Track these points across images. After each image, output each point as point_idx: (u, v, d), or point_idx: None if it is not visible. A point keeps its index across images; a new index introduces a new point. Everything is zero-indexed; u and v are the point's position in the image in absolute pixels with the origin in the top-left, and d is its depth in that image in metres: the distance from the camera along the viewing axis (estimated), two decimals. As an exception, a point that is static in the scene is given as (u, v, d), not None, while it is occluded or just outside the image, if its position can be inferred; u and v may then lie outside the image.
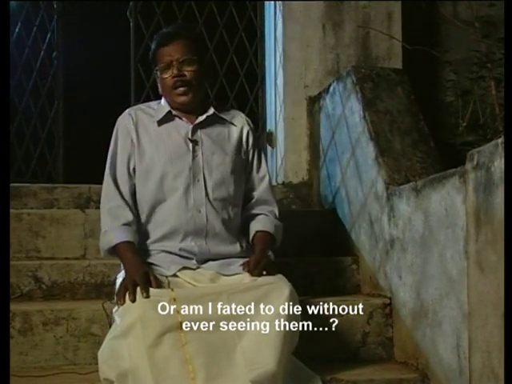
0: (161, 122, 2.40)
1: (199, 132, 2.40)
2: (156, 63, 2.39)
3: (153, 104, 2.48)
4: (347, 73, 3.15)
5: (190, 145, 2.37)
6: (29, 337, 2.39)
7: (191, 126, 2.39)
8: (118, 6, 4.00)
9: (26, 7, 4.02)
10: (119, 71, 4.12)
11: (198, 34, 2.64)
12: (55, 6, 4.02)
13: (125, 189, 2.36)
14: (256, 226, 2.43)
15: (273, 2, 3.82)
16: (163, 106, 2.43)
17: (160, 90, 2.45)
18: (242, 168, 2.45)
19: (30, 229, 2.92)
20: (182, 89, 2.35)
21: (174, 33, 2.40)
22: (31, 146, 3.99)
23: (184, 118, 2.41)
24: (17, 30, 3.98)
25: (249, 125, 2.50)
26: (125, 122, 2.41)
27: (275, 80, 3.81)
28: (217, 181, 2.37)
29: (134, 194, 2.38)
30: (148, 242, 2.33)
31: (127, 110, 2.45)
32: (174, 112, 2.40)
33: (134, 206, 2.36)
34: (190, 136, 2.38)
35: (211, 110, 2.42)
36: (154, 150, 2.36)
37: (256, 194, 2.49)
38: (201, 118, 2.40)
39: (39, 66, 4.03)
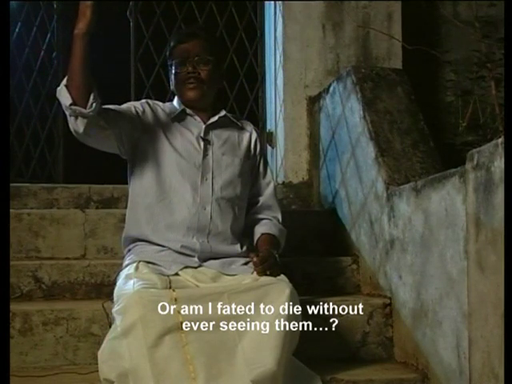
0: (174, 119, 2.43)
1: (211, 132, 2.45)
2: (172, 59, 2.44)
3: (166, 104, 2.52)
4: (347, 73, 3.15)
5: (202, 144, 2.41)
6: (29, 337, 2.39)
7: (204, 126, 2.43)
8: (118, 6, 4.00)
9: (26, 7, 4.02)
10: (119, 71, 4.12)
11: (217, 37, 2.68)
12: (55, 5, 4.02)
13: (113, 106, 2.34)
14: (261, 229, 2.48)
15: (273, 2, 3.82)
16: (176, 104, 2.48)
17: (172, 86, 2.48)
18: (249, 172, 2.51)
19: (30, 229, 2.92)
20: (193, 84, 2.39)
21: (194, 32, 2.47)
22: (31, 146, 3.99)
23: (197, 117, 2.44)
24: (17, 30, 3.97)
25: (256, 132, 2.58)
26: (142, 102, 2.47)
27: (275, 80, 3.81)
28: (225, 181, 2.40)
29: (113, 115, 2.31)
30: (152, 232, 2.34)
31: (144, 100, 2.51)
32: (187, 110, 2.44)
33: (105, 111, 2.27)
34: (202, 135, 2.41)
35: (223, 112, 2.47)
36: (166, 144, 2.39)
37: (261, 199, 2.54)
38: (213, 119, 2.45)
39: (39, 65, 4.03)
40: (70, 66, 2.19)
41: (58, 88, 2.21)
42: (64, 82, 2.20)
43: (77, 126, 2.21)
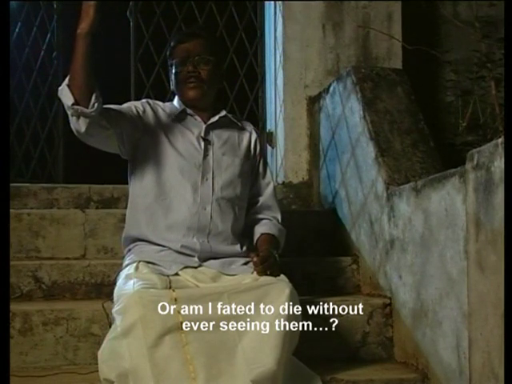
0: (175, 119, 2.44)
1: (211, 132, 2.45)
2: (172, 58, 2.44)
3: (166, 104, 2.52)
4: (347, 73, 3.15)
5: (202, 144, 2.41)
6: (29, 337, 2.39)
7: (204, 126, 2.44)
8: (118, 6, 4.00)
9: (26, 7, 4.02)
10: (119, 71, 4.12)
11: (217, 37, 2.68)
12: (55, 5, 4.02)
13: (114, 106, 2.33)
14: (261, 228, 2.48)
15: (273, 2, 3.82)
16: (177, 104, 2.48)
17: (172, 86, 2.48)
18: (249, 172, 2.51)
19: (30, 229, 2.92)
20: (193, 84, 2.39)
21: (194, 32, 2.48)
22: (31, 146, 3.99)
23: (197, 117, 2.44)
24: (17, 30, 3.97)
25: (256, 133, 2.58)
26: (142, 102, 2.47)
27: (275, 80, 3.81)
28: (225, 181, 2.40)
29: (114, 115, 2.31)
30: (152, 233, 2.34)
31: (145, 99, 2.52)
32: (188, 110, 2.44)
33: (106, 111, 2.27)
34: (202, 135, 2.41)
35: (223, 112, 2.48)
36: (167, 144, 2.39)
37: (261, 200, 2.54)
38: (213, 119, 2.45)
39: (39, 65, 4.03)
40: (72, 66, 2.18)
41: (60, 87, 2.21)
42: (66, 81, 2.20)
43: (78, 125, 2.21)
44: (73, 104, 2.17)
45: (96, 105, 2.17)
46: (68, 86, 2.18)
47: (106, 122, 2.25)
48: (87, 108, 2.17)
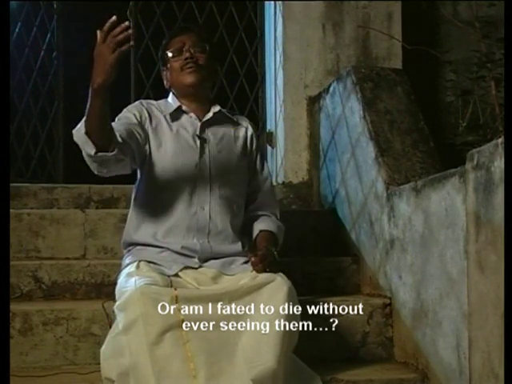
0: (170, 118, 2.42)
1: (207, 130, 2.43)
2: (166, 52, 2.42)
3: (160, 101, 2.50)
4: (347, 73, 3.15)
5: (198, 142, 2.40)
6: (29, 337, 2.39)
7: (199, 124, 2.42)
8: (118, 6, 4.00)
9: (26, 7, 4.02)
10: (119, 71, 4.11)
11: (210, 34, 2.70)
12: (55, 5, 4.02)
13: (118, 127, 2.26)
14: (260, 225, 2.47)
15: (273, 2, 3.82)
16: (171, 102, 2.46)
17: (167, 83, 2.47)
18: (246, 169, 2.49)
19: (30, 229, 2.92)
20: (191, 69, 2.37)
21: (188, 26, 2.50)
22: (31, 146, 3.99)
23: (192, 114, 2.42)
24: (17, 30, 3.97)
25: (252, 128, 2.56)
26: (137, 106, 2.44)
27: (275, 80, 3.81)
28: (222, 179, 2.39)
29: (125, 141, 2.24)
30: (151, 237, 2.33)
31: (138, 101, 2.48)
32: (183, 107, 2.42)
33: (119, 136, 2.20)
34: (198, 133, 2.40)
35: (217, 107, 2.45)
36: (162, 144, 2.37)
37: (259, 196, 2.53)
38: (208, 116, 2.43)
39: (39, 65, 4.03)
40: (90, 117, 2.10)
41: (76, 131, 2.13)
42: (83, 129, 2.11)
43: (100, 168, 2.18)
44: (95, 152, 2.12)
45: (116, 148, 2.14)
46: (86, 133, 2.11)
47: (122, 154, 2.20)
48: (108, 152, 2.13)
